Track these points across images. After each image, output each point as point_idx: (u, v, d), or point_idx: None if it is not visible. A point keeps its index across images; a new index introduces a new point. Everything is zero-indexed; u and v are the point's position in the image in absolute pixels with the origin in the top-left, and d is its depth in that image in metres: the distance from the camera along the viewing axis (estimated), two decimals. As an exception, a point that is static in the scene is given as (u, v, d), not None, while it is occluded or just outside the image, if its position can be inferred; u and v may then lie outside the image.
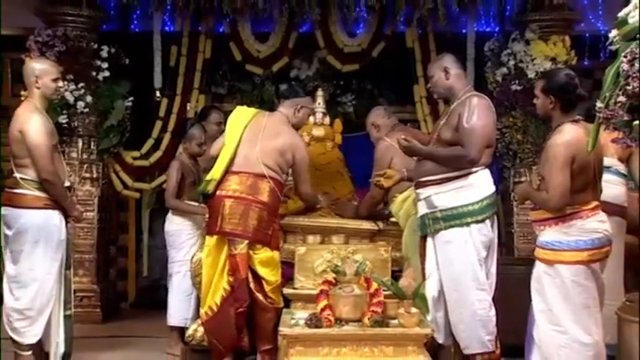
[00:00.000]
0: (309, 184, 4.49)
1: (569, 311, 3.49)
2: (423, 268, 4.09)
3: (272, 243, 4.28)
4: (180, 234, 4.94)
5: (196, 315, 4.77)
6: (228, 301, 4.20)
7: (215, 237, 4.23)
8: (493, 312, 3.88)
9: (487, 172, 3.94)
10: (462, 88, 4.00)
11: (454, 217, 3.88)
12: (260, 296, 4.25)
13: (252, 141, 4.32)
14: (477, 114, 3.84)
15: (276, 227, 4.32)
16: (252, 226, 4.17)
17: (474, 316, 3.85)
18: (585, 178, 3.52)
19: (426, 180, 3.98)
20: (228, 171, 4.31)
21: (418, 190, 4.04)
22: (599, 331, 3.53)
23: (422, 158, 4.04)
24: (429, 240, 4.01)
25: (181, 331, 4.90)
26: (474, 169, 3.88)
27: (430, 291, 3.99)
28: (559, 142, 3.49)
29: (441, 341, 4.04)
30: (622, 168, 4.63)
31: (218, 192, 4.27)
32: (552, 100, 3.58)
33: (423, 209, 4.01)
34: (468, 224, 3.85)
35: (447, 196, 3.90)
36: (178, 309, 4.88)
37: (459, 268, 3.87)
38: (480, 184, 3.90)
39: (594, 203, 3.56)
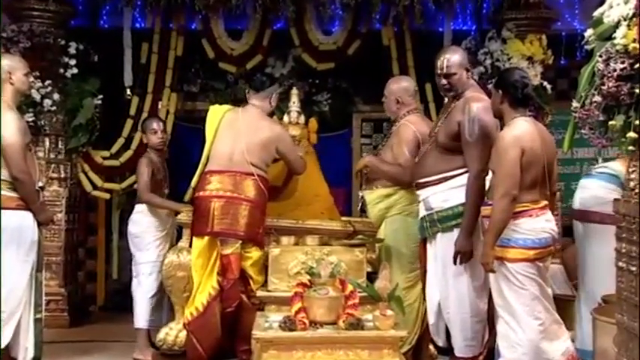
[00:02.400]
0: (299, 159, 4.54)
1: (520, 303, 3.59)
2: (424, 272, 4.11)
3: (261, 242, 4.33)
4: (146, 235, 4.95)
5: (167, 319, 4.77)
6: (216, 301, 4.25)
7: (206, 238, 4.25)
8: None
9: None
10: (465, 86, 3.99)
11: (450, 218, 3.88)
12: (244, 297, 4.28)
13: (235, 140, 4.34)
14: (477, 124, 3.80)
15: (264, 226, 4.35)
16: (244, 224, 4.22)
17: (465, 322, 3.91)
18: (534, 175, 3.60)
19: (425, 181, 3.99)
20: (209, 171, 4.33)
21: (418, 192, 4.07)
22: (549, 315, 3.63)
23: (421, 158, 4.07)
24: (429, 245, 4.03)
25: (148, 333, 4.91)
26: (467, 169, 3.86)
27: (432, 299, 4.01)
28: (508, 136, 3.59)
29: (440, 344, 4.09)
30: (618, 171, 4.47)
31: (202, 193, 4.29)
32: (501, 96, 3.67)
33: (421, 211, 4.03)
34: (458, 225, 3.86)
35: (444, 196, 3.91)
36: (143, 310, 4.89)
37: (452, 272, 3.90)
38: None
39: (544, 202, 3.64)
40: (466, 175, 3.87)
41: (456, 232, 3.87)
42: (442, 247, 3.92)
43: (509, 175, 3.52)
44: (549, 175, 3.67)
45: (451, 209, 3.88)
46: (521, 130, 3.59)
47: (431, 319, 4.07)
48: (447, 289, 3.94)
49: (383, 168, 4.40)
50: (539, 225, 3.59)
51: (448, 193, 3.89)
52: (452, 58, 3.97)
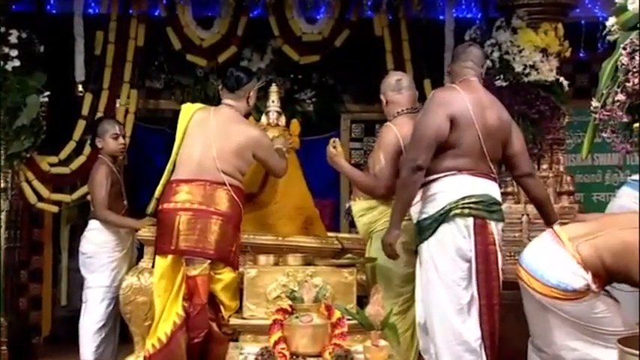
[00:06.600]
0: (280, 163, 4.58)
1: None
2: None
3: (234, 262, 4.32)
4: (100, 256, 4.97)
5: (115, 352, 4.79)
6: (181, 331, 4.24)
7: (169, 257, 4.25)
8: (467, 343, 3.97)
9: (455, 178, 3.96)
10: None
11: (423, 230, 3.99)
12: (214, 325, 4.28)
13: (204, 144, 4.34)
14: (423, 111, 4.04)
15: (239, 243, 4.35)
16: (213, 242, 4.22)
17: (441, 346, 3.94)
18: None
19: None
20: (176, 180, 4.33)
21: None
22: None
23: None
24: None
25: None
26: (436, 176, 3.97)
27: (418, 317, 4.09)
28: None
29: None
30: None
31: (166, 205, 4.29)
32: None
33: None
34: (427, 238, 3.96)
35: (419, 206, 4.01)
36: (90, 342, 4.92)
37: (430, 290, 3.98)
38: (444, 193, 3.97)
39: None
40: (432, 184, 3.99)
41: (424, 245, 3.98)
42: (418, 261, 4.06)
43: None
44: None
45: (423, 221, 4.01)
46: None
47: (421, 342, 4.12)
48: (429, 308, 4.01)
49: (356, 178, 4.48)
50: None
51: (420, 204, 4.02)
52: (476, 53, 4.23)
